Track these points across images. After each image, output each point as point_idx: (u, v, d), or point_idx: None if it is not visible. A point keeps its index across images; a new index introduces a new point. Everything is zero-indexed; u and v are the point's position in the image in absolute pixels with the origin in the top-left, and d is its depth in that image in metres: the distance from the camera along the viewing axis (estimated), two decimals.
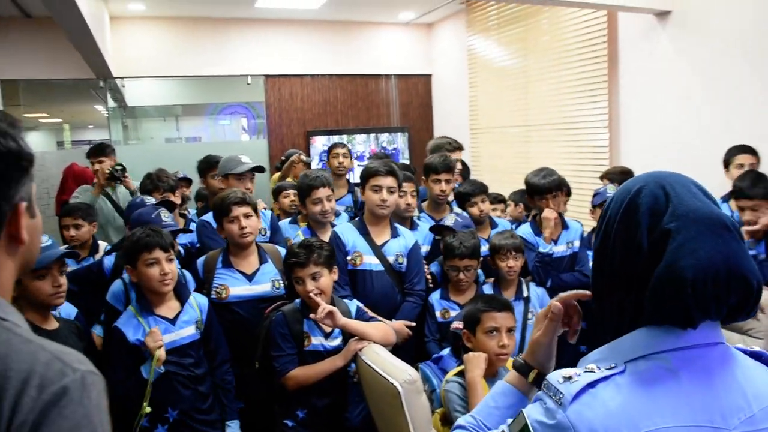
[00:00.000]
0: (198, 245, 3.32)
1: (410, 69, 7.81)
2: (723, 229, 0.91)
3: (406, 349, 2.78)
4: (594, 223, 3.44)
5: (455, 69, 7.33)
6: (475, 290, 3.00)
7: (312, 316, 2.38)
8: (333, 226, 3.22)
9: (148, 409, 2.26)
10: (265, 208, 3.50)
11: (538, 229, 3.34)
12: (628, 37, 4.87)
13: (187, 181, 4.90)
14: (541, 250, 3.25)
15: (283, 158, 5.21)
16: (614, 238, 0.97)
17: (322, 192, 3.14)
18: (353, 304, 2.61)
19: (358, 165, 7.22)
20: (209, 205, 3.85)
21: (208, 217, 3.19)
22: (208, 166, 4.13)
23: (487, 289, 3.03)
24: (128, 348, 2.34)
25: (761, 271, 0.98)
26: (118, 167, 4.18)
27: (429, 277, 3.11)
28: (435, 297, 2.98)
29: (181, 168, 4.94)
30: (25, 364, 0.73)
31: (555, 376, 0.92)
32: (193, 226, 3.55)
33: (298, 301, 2.54)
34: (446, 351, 2.50)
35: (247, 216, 2.79)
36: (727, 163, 3.69)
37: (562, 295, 1.16)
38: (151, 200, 3.25)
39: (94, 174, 4.40)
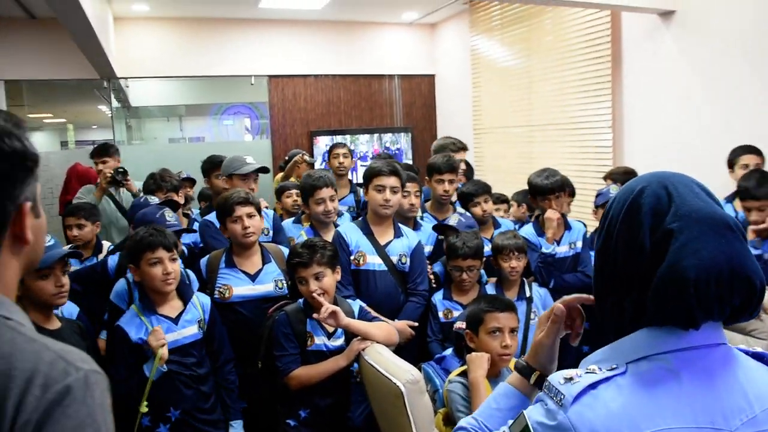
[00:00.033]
0: (201, 245, 3.33)
1: (413, 69, 7.81)
2: (726, 229, 0.90)
3: (409, 349, 2.78)
4: (597, 224, 3.43)
5: (458, 69, 7.33)
6: (477, 290, 3.00)
7: (315, 315, 2.38)
8: (336, 226, 3.22)
9: (145, 409, 2.27)
10: (267, 208, 3.50)
11: (540, 230, 3.33)
12: (632, 37, 4.86)
13: (191, 182, 4.91)
14: (544, 250, 3.25)
15: (286, 158, 5.22)
16: (616, 239, 0.96)
17: (325, 192, 3.15)
18: (356, 304, 2.61)
19: (362, 165, 7.24)
20: (213, 204, 3.86)
21: (212, 216, 3.20)
22: (212, 165, 4.14)
23: (490, 289, 3.03)
24: (131, 347, 2.34)
25: (766, 271, 0.98)
26: (120, 171, 4.18)
27: (432, 277, 3.11)
28: (438, 297, 2.98)
29: (185, 168, 4.96)
30: (29, 363, 0.74)
31: (556, 377, 0.92)
32: (196, 225, 3.55)
33: (301, 300, 2.54)
34: (449, 351, 2.50)
35: (250, 216, 2.79)
36: (731, 163, 3.67)
37: (565, 298, 1.16)
38: (155, 200, 3.25)
39: (98, 174, 4.41)
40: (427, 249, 3.24)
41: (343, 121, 7.53)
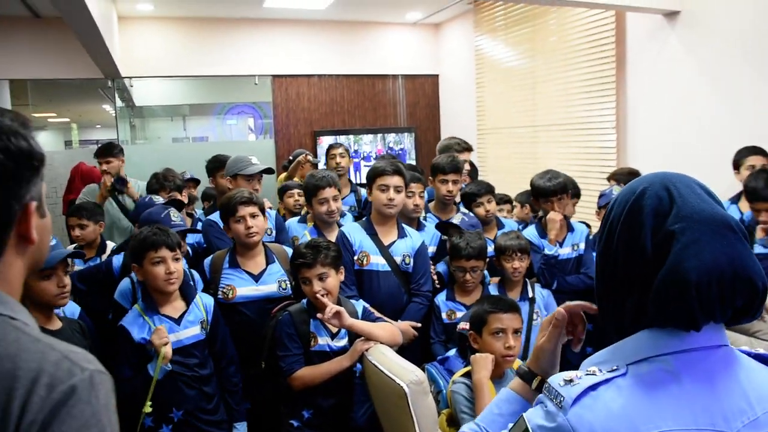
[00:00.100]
0: (204, 245, 3.33)
1: (417, 69, 7.80)
2: (728, 231, 0.90)
3: (412, 350, 2.77)
4: None
5: (462, 69, 7.33)
6: (481, 291, 3.00)
7: (319, 316, 2.38)
8: (340, 226, 3.22)
9: (149, 409, 2.26)
10: (270, 208, 3.51)
11: (543, 231, 3.33)
12: (637, 37, 4.85)
13: (195, 182, 4.92)
14: (547, 252, 3.24)
15: (290, 158, 5.22)
16: (617, 240, 0.96)
17: (328, 192, 3.15)
18: (360, 305, 2.61)
19: (365, 165, 7.24)
20: (217, 204, 3.86)
21: (215, 216, 3.20)
22: (217, 165, 4.14)
23: (492, 290, 3.02)
24: (134, 347, 2.34)
25: None
26: (119, 181, 4.16)
27: (435, 277, 3.10)
28: (441, 298, 2.98)
29: (188, 168, 4.96)
30: (34, 363, 0.74)
31: (556, 379, 0.91)
32: (199, 225, 3.55)
33: (304, 301, 2.54)
34: (452, 352, 2.50)
35: (253, 216, 2.79)
36: (737, 165, 3.65)
37: (567, 303, 1.16)
38: (159, 200, 3.26)
39: (102, 174, 4.42)
40: (431, 249, 3.23)
41: (347, 121, 7.53)
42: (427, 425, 2.00)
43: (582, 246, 3.34)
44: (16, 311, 0.81)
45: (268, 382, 2.58)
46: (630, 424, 0.84)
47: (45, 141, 12.02)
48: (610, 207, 1.01)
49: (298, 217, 3.65)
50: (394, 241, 2.98)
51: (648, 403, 0.86)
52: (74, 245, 3.52)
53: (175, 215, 2.90)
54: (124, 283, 2.69)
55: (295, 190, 4.20)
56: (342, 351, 2.44)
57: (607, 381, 0.89)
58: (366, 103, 7.62)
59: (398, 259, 2.95)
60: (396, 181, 2.95)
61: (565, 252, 3.31)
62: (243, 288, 2.76)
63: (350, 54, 7.43)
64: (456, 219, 3.25)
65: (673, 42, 4.50)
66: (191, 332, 2.45)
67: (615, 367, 0.90)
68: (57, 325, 2.30)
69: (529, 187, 3.52)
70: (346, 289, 2.77)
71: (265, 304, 2.74)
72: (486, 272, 3.11)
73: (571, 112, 5.53)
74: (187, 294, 2.53)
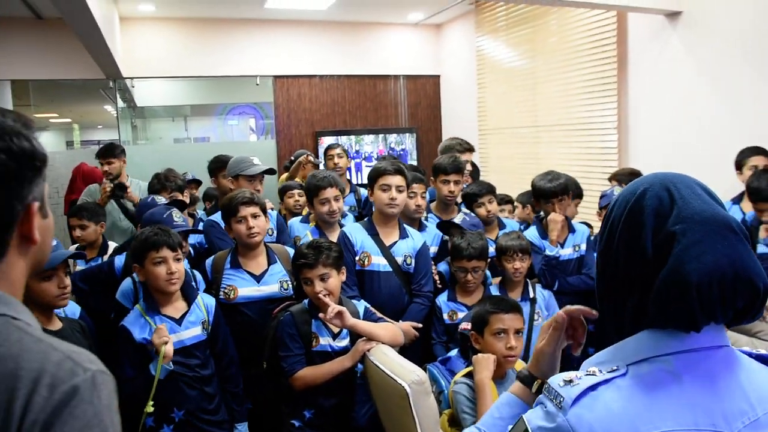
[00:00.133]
0: (206, 246, 3.33)
1: (419, 70, 7.80)
2: (729, 232, 0.90)
3: (413, 351, 2.77)
4: None
5: (464, 70, 7.33)
6: (482, 291, 3.00)
7: (321, 316, 2.38)
8: (341, 226, 3.22)
9: (151, 408, 2.26)
10: (272, 209, 3.51)
11: (544, 232, 3.32)
12: (638, 37, 4.85)
13: (197, 183, 4.92)
14: (548, 253, 3.24)
15: (291, 159, 5.22)
16: (618, 240, 0.96)
17: (330, 192, 3.15)
18: (361, 305, 2.61)
19: (366, 166, 7.24)
20: (218, 205, 3.86)
21: (217, 217, 3.20)
22: (219, 165, 4.14)
23: (493, 290, 3.02)
24: (135, 347, 2.34)
25: None
26: (119, 188, 4.16)
27: (437, 277, 3.10)
28: (442, 299, 2.98)
29: (190, 168, 4.97)
30: (36, 363, 0.74)
31: (556, 380, 0.92)
32: (201, 226, 3.55)
33: (306, 301, 2.54)
34: (454, 352, 2.49)
35: (255, 216, 2.79)
36: (739, 165, 3.65)
37: (568, 307, 1.17)
38: (162, 200, 3.26)
39: (104, 175, 4.42)
40: (433, 249, 3.23)
41: (348, 122, 7.53)
42: (429, 425, 1.99)
43: (583, 247, 3.34)
44: (19, 311, 0.81)
45: (269, 382, 2.58)
46: (630, 424, 0.84)
47: (46, 141, 12.01)
48: (611, 207, 1.01)
49: (301, 217, 3.66)
50: (396, 242, 2.98)
51: (648, 404, 0.86)
52: (76, 246, 3.52)
53: (177, 215, 2.91)
54: (126, 284, 2.70)
55: (296, 191, 4.21)
56: (343, 351, 2.44)
57: (606, 381, 0.89)
58: (367, 104, 7.63)
59: (399, 260, 2.95)
60: (398, 180, 2.95)
61: (567, 253, 3.31)
62: (244, 288, 2.76)
63: (352, 54, 7.43)
64: (458, 219, 3.25)
65: (675, 42, 4.50)
66: (192, 333, 2.45)
67: (615, 368, 0.90)
68: (57, 325, 2.30)
69: (530, 188, 3.52)
70: (348, 290, 2.77)
71: (266, 305, 2.74)
72: (488, 272, 3.11)
73: (573, 113, 5.52)
74: (189, 294, 2.53)
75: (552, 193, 3.28)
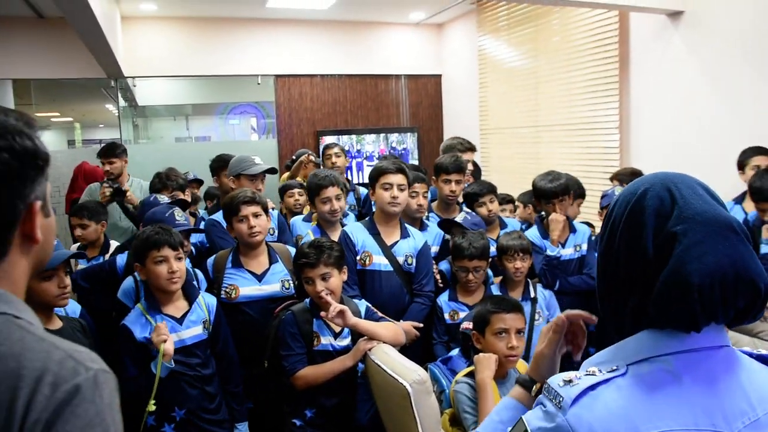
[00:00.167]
0: (208, 245, 3.33)
1: (420, 69, 7.80)
2: (730, 232, 0.90)
3: (414, 351, 2.78)
4: None
5: (465, 69, 7.32)
6: (483, 291, 3.00)
7: (323, 314, 2.38)
8: (343, 225, 3.22)
9: (153, 407, 2.27)
10: (273, 208, 3.51)
11: (545, 232, 3.32)
12: (640, 37, 4.84)
13: (198, 182, 4.92)
14: (549, 253, 3.24)
15: (293, 158, 5.23)
16: (619, 240, 0.96)
17: (331, 191, 3.15)
18: (362, 304, 2.61)
19: (368, 165, 7.24)
20: (220, 204, 3.86)
21: (218, 216, 3.20)
22: (221, 164, 4.14)
23: (494, 290, 3.02)
24: (136, 346, 2.34)
25: None
26: (118, 193, 4.15)
27: (438, 276, 3.10)
28: (443, 299, 2.97)
29: (191, 167, 4.97)
30: (38, 362, 0.74)
31: (556, 380, 0.92)
32: (203, 225, 3.55)
33: (307, 300, 2.54)
34: (455, 351, 2.49)
35: (256, 215, 2.79)
36: (742, 165, 3.64)
37: (568, 312, 1.17)
38: (165, 199, 3.26)
39: (105, 174, 4.43)
40: (434, 249, 3.23)
41: (350, 121, 7.53)
42: (430, 425, 2.00)
43: (584, 247, 3.34)
44: (21, 310, 0.81)
45: (271, 382, 2.58)
46: (629, 423, 0.84)
47: (48, 140, 12.00)
48: (612, 207, 1.01)
49: (303, 216, 3.66)
50: (397, 241, 2.98)
51: (648, 403, 0.86)
52: (77, 245, 3.53)
53: (179, 214, 2.91)
54: (128, 282, 2.69)
55: (295, 190, 4.21)
56: (345, 350, 2.44)
57: (606, 381, 0.89)
58: (369, 103, 7.62)
59: (401, 260, 2.95)
60: (399, 179, 2.95)
61: (568, 253, 3.31)
62: (246, 288, 2.76)
63: (353, 54, 7.42)
64: (459, 217, 3.25)
65: (677, 42, 4.49)
66: (193, 332, 2.45)
67: (615, 367, 0.90)
68: (57, 324, 2.30)
69: (531, 188, 3.52)
70: (349, 289, 2.77)
71: (268, 304, 2.75)
72: (490, 272, 3.11)
73: (574, 113, 5.52)
74: (190, 294, 2.53)
75: (552, 193, 3.28)
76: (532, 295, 3.02)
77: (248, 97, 9.26)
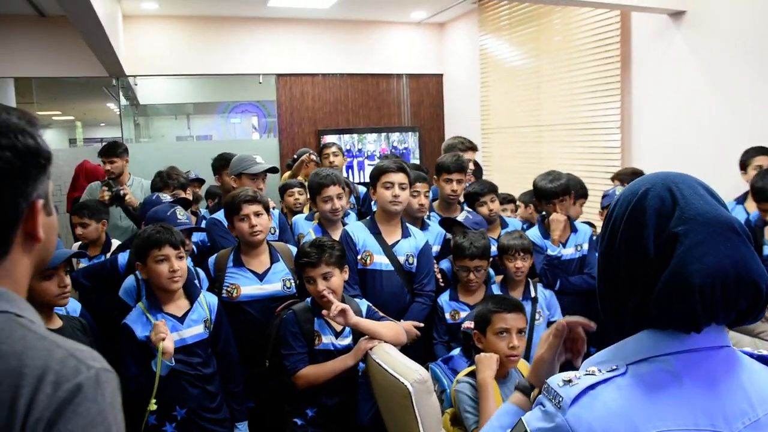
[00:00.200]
0: (209, 244, 3.33)
1: (422, 68, 7.80)
2: (731, 233, 0.89)
3: (414, 350, 2.78)
4: None
5: (467, 69, 7.32)
6: (484, 291, 2.99)
7: (325, 313, 2.38)
8: (344, 224, 3.22)
9: (154, 406, 2.27)
10: (274, 207, 3.51)
11: (546, 232, 3.32)
12: (642, 37, 4.84)
13: (199, 181, 4.92)
14: (550, 253, 3.24)
15: (294, 157, 5.23)
16: (620, 240, 0.96)
17: (332, 190, 3.15)
18: (364, 304, 2.61)
19: (369, 164, 7.24)
20: (221, 203, 3.86)
21: (219, 215, 3.20)
22: (223, 163, 4.14)
23: (495, 289, 3.02)
24: (137, 344, 2.34)
25: None
26: (117, 198, 4.14)
27: (439, 275, 3.10)
28: (444, 298, 2.97)
29: (192, 166, 4.97)
30: (40, 360, 0.74)
31: (555, 380, 0.92)
32: (204, 224, 3.55)
33: (308, 299, 2.54)
34: (456, 351, 2.49)
35: (257, 214, 2.79)
36: (744, 165, 3.64)
37: (568, 318, 1.17)
38: (166, 198, 3.26)
39: (106, 174, 4.43)
40: (435, 248, 3.23)
41: (351, 120, 7.53)
42: (431, 424, 1.99)
43: (585, 246, 3.34)
44: (23, 309, 0.81)
45: (272, 381, 2.58)
46: (629, 423, 0.84)
47: (49, 139, 12.03)
48: (612, 207, 1.01)
49: (306, 214, 3.66)
50: (398, 241, 2.98)
51: (648, 403, 0.86)
52: (78, 244, 3.53)
53: (180, 213, 2.91)
54: (129, 281, 2.70)
55: (296, 189, 4.21)
56: (346, 350, 2.44)
57: (606, 381, 0.88)
58: (370, 103, 7.62)
59: (402, 259, 2.95)
60: (400, 178, 2.95)
61: (569, 253, 3.31)
62: (247, 287, 2.76)
63: (354, 53, 7.42)
64: (461, 216, 3.25)
65: (679, 42, 4.49)
66: (194, 331, 2.45)
67: (614, 367, 0.90)
68: (57, 323, 2.30)
69: (532, 187, 3.51)
70: (350, 289, 2.77)
71: (269, 303, 2.75)
72: (491, 271, 3.11)
73: (576, 112, 5.51)
74: (191, 293, 2.53)
75: (553, 193, 3.27)
76: (533, 294, 3.02)
77: (250, 96, 9.26)
